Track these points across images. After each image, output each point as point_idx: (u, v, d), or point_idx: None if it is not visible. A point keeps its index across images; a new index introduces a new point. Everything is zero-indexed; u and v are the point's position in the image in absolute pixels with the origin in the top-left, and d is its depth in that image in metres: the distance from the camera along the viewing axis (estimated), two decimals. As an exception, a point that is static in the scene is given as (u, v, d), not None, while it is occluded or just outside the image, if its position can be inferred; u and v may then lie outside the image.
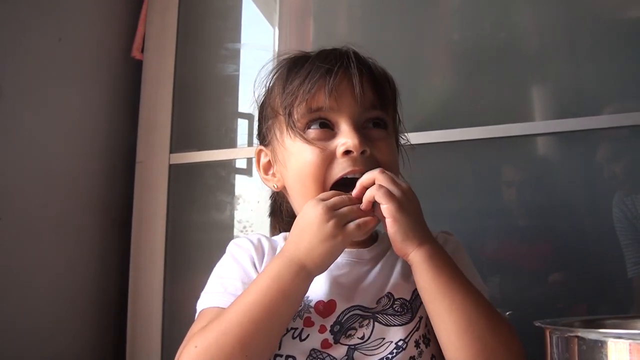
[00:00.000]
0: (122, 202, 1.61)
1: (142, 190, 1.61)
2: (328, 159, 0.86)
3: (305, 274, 0.79)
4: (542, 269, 1.31)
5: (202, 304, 0.89)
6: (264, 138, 0.97)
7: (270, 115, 0.94)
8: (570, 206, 1.31)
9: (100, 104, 1.60)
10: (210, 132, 1.69)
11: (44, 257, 1.39)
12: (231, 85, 1.72)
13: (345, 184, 0.85)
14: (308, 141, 0.87)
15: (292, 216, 0.96)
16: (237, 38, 1.76)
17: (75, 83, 1.52)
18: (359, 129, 0.87)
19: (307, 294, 0.83)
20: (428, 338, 0.87)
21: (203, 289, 0.92)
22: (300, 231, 0.81)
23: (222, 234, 1.66)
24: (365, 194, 0.82)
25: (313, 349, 0.83)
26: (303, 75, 0.88)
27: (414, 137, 1.06)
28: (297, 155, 0.88)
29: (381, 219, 0.82)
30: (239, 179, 1.69)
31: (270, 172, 0.97)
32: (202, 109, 1.69)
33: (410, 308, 0.87)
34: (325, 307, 0.85)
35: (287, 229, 1.00)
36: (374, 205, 0.82)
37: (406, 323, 0.86)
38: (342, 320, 0.85)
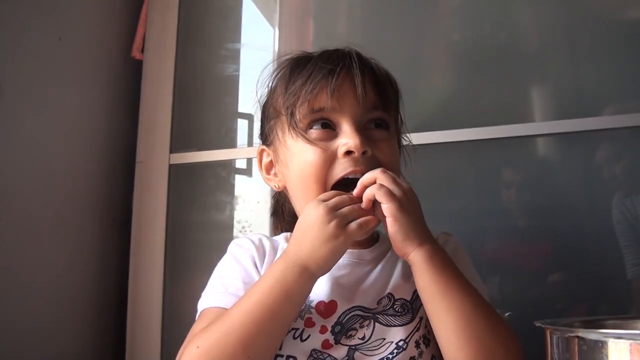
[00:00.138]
0: (122, 202, 1.61)
1: (142, 190, 1.61)
2: (329, 159, 0.86)
3: (308, 275, 0.79)
4: (542, 270, 1.31)
5: (203, 304, 0.89)
6: (266, 138, 0.98)
7: (273, 115, 0.94)
8: (570, 207, 1.31)
9: (100, 103, 1.60)
10: (210, 132, 1.69)
11: (44, 257, 1.39)
12: (231, 86, 1.72)
13: (346, 184, 0.86)
14: (310, 141, 0.87)
15: (294, 216, 0.96)
16: (237, 38, 1.76)
17: (75, 83, 1.52)
18: (361, 129, 0.87)
19: None
20: (428, 338, 0.87)
21: (203, 289, 0.92)
22: (302, 233, 0.81)
23: (222, 234, 1.66)
24: (365, 192, 0.82)
25: (314, 350, 0.83)
26: (305, 76, 0.88)
27: (414, 138, 1.06)
28: (299, 156, 0.88)
29: (381, 219, 0.82)
30: (239, 179, 1.69)
31: (272, 172, 0.97)
32: (202, 109, 1.69)
33: (410, 308, 0.87)
34: (326, 308, 0.85)
35: (289, 229, 1.00)
36: (375, 204, 0.82)
37: (407, 323, 0.86)
38: (343, 321, 0.85)
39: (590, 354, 0.63)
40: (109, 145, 1.61)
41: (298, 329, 0.84)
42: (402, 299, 0.88)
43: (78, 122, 1.53)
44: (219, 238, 1.65)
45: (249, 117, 1.64)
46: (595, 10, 1.39)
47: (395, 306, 0.87)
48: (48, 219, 1.41)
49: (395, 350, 0.84)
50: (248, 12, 1.77)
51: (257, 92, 0.99)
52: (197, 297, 0.91)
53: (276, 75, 0.95)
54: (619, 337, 0.62)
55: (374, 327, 0.85)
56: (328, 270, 0.81)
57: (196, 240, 1.63)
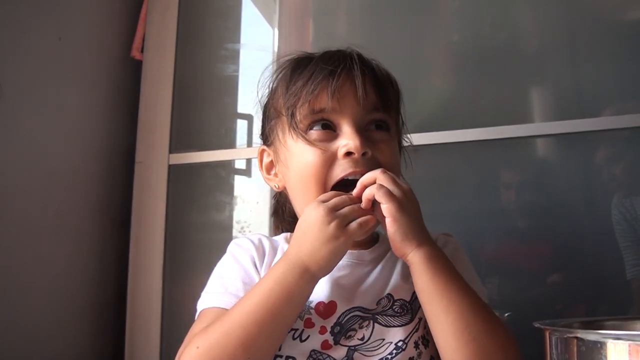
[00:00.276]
0: (122, 202, 1.61)
1: (142, 190, 1.61)
2: (329, 160, 0.86)
3: (308, 276, 0.79)
4: (542, 270, 1.31)
5: (202, 304, 0.89)
6: (267, 138, 0.98)
7: (273, 115, 0.95)
8: (569, 207, 1.32)
9: (100, 103, 1.60)
10: (210, 133, 1.69)
11: (43, 256, 1.39)
12: (231, 86, 1.72)
13: (346, 185, 0.86)
14: (310, 142, 0.87)
15: (294, 216, 0.96)
16: (236, 38, 1.76)
17: (75, 83, 1.52)
18: (361, 130, 0.87)
19: None
20: (427, 339, 0.87)
21: (203, 289, 0.92)
22: (303, 234, 0.81)
23: (221, 234, 1.67)
24: (365, 192, 0.82)
25: (313, 350, 0.83)
26: (306, 77, 0.88)
27: (414, 138, 1.06)
28: (299, 156, 0.88)
29: (380, 220, 0.82)
30: (238, 180, 1.69)
31: (273, 172, 0.97)
32: (201, 110, 1.69)
33: (410, 309, 0.87)
34: (325, 309, 0.85)
35: (289, 228, 1.00)
36: (374, 205, 0.82)
37: (406, 324, 0.86)
38: (343, 322, 0.85)
39: (589, 354, 0.63)
40: (109, 146, 1.62)
41: (297, 329, 0.84)
42: (401, 299, 0.87)
43: (78, 122, 1.53)
44: (218, 238, 1.65)
45: (248, 118, 1.64)
46: (594, 11, 1.39)
47: (394, 307, 0.87)
48: (47, 219, 1.41)
49: (394, 351, 0.84)
50: (248, 13, 1.77)
51: (257, 92, 0.99)
52: (197, 297, 0.91)
53: (277, 76, 0.95)
54: (618, 338, 0.62)
55: (373, 328, 0.85)
56: (329, 271, 0.81)
57: (195, 240, 1.63)
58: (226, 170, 1.68)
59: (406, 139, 1.03)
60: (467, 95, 1.44)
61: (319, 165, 0.86)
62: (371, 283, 0.89)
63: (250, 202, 1.63)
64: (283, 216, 1.04)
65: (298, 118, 0.88)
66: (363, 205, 0.82)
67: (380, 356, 0.84)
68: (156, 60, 1.67)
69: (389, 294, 0.88)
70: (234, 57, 1.73)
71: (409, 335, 0.85)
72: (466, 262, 0.94)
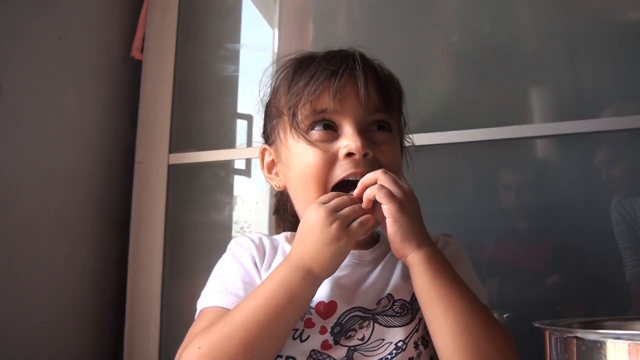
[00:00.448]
0: (121, 202, 1.61)
1: (141, 190, 1.61)
2: (330, 161, 0.86)
3: (311, 278, 0.79)
4: (541, 271, 1.31)
5: (202, 303, 0.89)
6: (268, 137, 0.98)
7: (275, 115, 0.94)
8: (569, 208, 1.32)
9: (100, 103, 1.60)
10: (210, 133, 1.69)
11: (43, 257, 1.39)
12: (230, 86, 1.72)
13: (346, 186, 0.86)
14: (311, 142, 0.87)
15: (295, 215, 0.96)
16: (236, 39, 1.76)
17: (74, 82, 1.52)
18: (363, 131, 0.87)
19: None
20: (427, 340, 0.87)
21: (202, 289, 0.92)
22: (305, 236, 0.81)
23: (221, 235, 1.66)
24: (366, 192, 0.82)
25: (313, 350, 0.83)
26: (308, 76, 0.88)
27: (413, 138, 1.06)
28: (300, 156, 0.88)
29: (380, 220, 0.82)
30: (238, 180, 1.69)
31: (274, 171, 0.97)
32: (201, 110, 1.69)
33: (410, 309, 0.87)
34: (325, 309, 0.85)
35: (291, 227, 1.01)
36: (375, 205, 0.82)
37: (406, 324, 0.86)
38: (343, 322, 0.85)
39: (589, 354, 0.63)
40: (108, 145, 1.61)
41: (298, 329, 0.84)
42: (401, 299, 0.87)
43: (77, 122, 1.53)
44: (217, 238, 1.65)
45: (248, 118, 1.64)
46: (594, 11, 1.39)
47: (394, 307, 0.87)
48: (47, 219, 1.41)
49: (394, 351, 0.84)
50: (248, 13, 1.77)
51: (259, 91, 0.99)
52: (196, 296, 0.91)
53: (279, 75, 0.95)
54: (618, 337, 0.62)
55: (373, 328, 0.85)
56: (332, 273, 0.81)
57: (195, 240, 1.63)
58: (226, 170, 1.68)
59: (408, 140, 1.03)
60: (466, 95, 1.44)
61: (319, 165, 0.86)
62: (371, 283, 0.89)
63: (249, 202, 1.63)
64: (284, 215, 1.04)
65: (299, 118, 0.88)
66: (364, 205, 0.82)
67: (380, 356, 0.84)
68: (156, 60, 1.67)
69: (389, 294, 0.88)
70: (234, 57, 1.73)
71: (409, 335, 0.85)
72: (466, 263, 0.94)
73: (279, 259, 0.91)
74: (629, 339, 0.61)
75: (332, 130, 0.88)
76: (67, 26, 1.49)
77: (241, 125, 1.67)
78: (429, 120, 1.42)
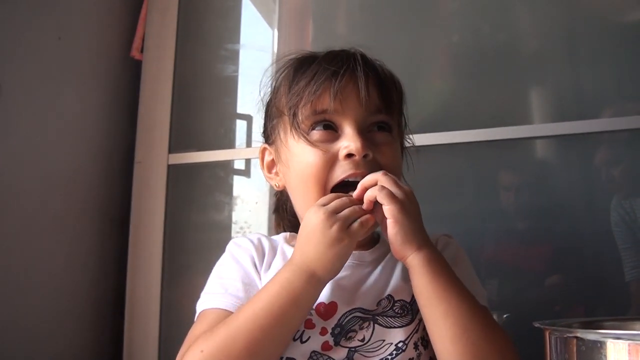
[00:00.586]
0: (121, 202, 1.61)
1: (141, 190, 1.61)
2: (330, 161, 0.86)
3: (315, 281, 0.79)
4: (541, 271, 1.31)
5: (202, 304, 0.89)
6: (268, 137, 0.98)
7: (275, 114, 0.94)
8: (568, 209, 1.32)
9: (99, 103, 1.60)
10: (209, 133, 1.69)
11: (42, 257, 1.39)
12: (230, 86, 1.72)
13: (346, 186, 0.86)
14: (311, 143, 0.87)
15: (295, 215, 0.96)
16: (236, 39, 1.76)
17: (74, 82, 1.52)
18: (363, 132, 0.87)
19: None
20: (427, 340, 0.87)
21: (201, 290, 0.92)
22: (306, 239, 0.80)
23: (220, 235, 1.66)
24: (367, 193, 0.82)
25: (313, 351, 0.83)
26: (309, 77, 0.88)
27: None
28: (300, 157, 0.88)
29: (379, 222, 0.82)
30: (238, 180, 1.69)
31: (274, 170, 0.97)
32: (201, 110, 1.68)
33: (410, 310, 0.87)
34: (326, 310, 0.85)
35: (290, 226, 1.01)
36: (375, 206, 0.82)
37: (406, 325, 0.86)
38: (343, 323, 0.84)
39: (589, 354, 0.63)
40: (108, 145, 1.61)
41: (298, 330, 0.84)
42: (401, 300, 0.87)
43: (77, 122, 1.53)
44: (217, 238, 1.65)
45: (247, 118, 1.64)
46: (594, 12, 1.39)
47: (395, 307, 0.87)
48: (46, 219, 1.41)
49: (394, 352, 0.84)
50: (247, 13, 1.77)
51: (260, 91, 0.99)
52: (195, 297, 0.91)
53: (280, 75, 0.95)
54: (618, 337, 0.62)
55: (373, 329, 0.85)
56: (336, 274, 0.81)
57: (194, 240, 1.63)
58: (225, 170, 1.68)
59: (408, 140, 1.03)
60: (466, 96, 1.44)
61: (319, 166, 0.86)
62: (371, 284, 0.89)
63: (249, 202, 1.63)
64: (284, 214, 1.04)
65: (300, 118, 0.88)
66: (365, 206, 0.82)
67: (380, 357, 0.84)
68: (156, 60, 1.67)
69: (389, 294, 0.88)
70: (234, 57, 1.73)
71: (409, 336, 0.85)
72: (466, 264, 0.94)
73: (278, 259, 0.91)
74: (629, 339, 0.61)
75: (332, 130, 0.88)
76: (67, 26, 1.49)
77: (241, 125, 1.67)
78: (429, 120, 1.42)
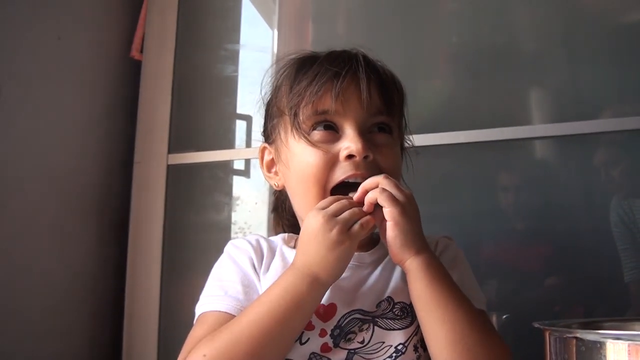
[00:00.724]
0: (120, 203, 1.61)
1: (140, 190, 1.61)
2: (330, 162, 0.86)
3: (318, 284, 0.79)
4: (540, 272, 1.32)
5: (201, 307, 0.88)
6: (268, 136, 0.97)
7: (276, 114, 0.94)
8: (568, 209, 1.32)
9: (99, 103, 1.60)
10: (209, 133, 1.69)
11: (41, 257, 1.39)
12: (230, 86, 1.72)
13: (346, 187, 0.86)
14: (312, 143, 0.87)
15: (294, 215, 0.96)
16: (236, 39, 1.76)
17: (74, 82, 1.52)
18: (364, 133, 0.87)
19: None
20: (426, 343, 0.87)
21: (201, 290, 0.91)
22: (307, 243, 0.80)
23: (220, 235, 1.66)
24: (368, 195, 0.82)
25: (313, 353, 0.83)
26: (310, 77, 0.88)
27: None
28: (300, 157, 0.88)
29: (378, 225, 0.82)
30: (237, 180, 1.69)
31: (273, 170, 0.97)
32: (200, 110, 1.69)
33: (410, 312, 0.86)
34: (325, 311, 0.85)
35: (289, 225, 1.01)
36: (375, 209, 0.82)
37: (406, 327, 0.86)
38: (342, 324, 0.84)
39: (588, 354, 0.63)
40: (107, 146, 1.61)
41: (298, 331, 0.84)
42: (401, 302, 0.87)
43: (76, 122, 1.53)
44: (216, 239, 1.65)
45: (247, 118, 1.64)
46: (593, 13, 1.39)
47: (394, 309, 0.87)
48: (46, 219, 1.41)
49: (394, 354, 0.84)
50: (247, 13, 1.77)
51: (261, 89, 0.99)
52: (195, 297, 0.90)
53: (281, 74, 0.95)
54: (617, 337, 0.62)
55: (373, 331, 0.85)
56: (339, 277, 0.81)
57: (194, 241, 1.63)
58: (225, 170, 1.68)
59: (408, 142, 1.03)
60: (465, 96, 1.44)
61: (320, 166, 0.86)
62: (371, 285, 0.89)
63: (248, 202, 1.63)
64: (283, 213, 1.04)
65: (301, 118, 0.88)
66: (365, 208, 0.82)
67: (380, 359, 0.84)
68: (155, 61, 1.67)
69: (389, 296, 0.88)
70: (233, 57, 1.73)
71: (408, 338, 0.85)
72: (466, 266, 0.94)
73: (277, 261, 0.91)
74: (628, 339, 0.61)
75: (333, 131, 0.88)
76: (66, 26, 1.49)
77: (240, 125, 1.67)
78: (429, 121, 1.42)
